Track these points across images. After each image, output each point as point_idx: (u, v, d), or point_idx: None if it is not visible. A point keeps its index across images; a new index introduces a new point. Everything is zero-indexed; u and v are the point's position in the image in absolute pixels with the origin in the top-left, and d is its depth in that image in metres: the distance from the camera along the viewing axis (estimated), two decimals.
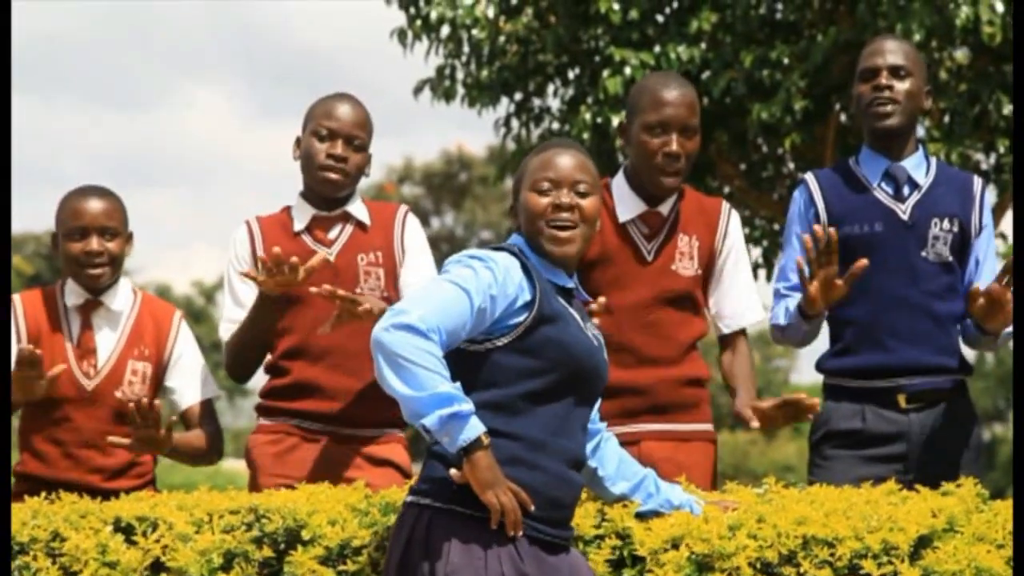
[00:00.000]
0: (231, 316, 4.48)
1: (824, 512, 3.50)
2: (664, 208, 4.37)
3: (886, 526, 3.44)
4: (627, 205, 4.37)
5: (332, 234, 4.44)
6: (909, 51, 4.46)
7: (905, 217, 4.41)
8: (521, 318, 3.30)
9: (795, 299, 4.40)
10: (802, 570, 3.38)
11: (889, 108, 4.40)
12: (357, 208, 4.49)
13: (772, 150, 12.47)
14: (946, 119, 11.38)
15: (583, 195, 3.44)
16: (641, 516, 3.53)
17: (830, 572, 3.37)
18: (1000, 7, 10.46)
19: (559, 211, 3.41)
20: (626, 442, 4.27)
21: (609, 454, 3.60)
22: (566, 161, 3.45)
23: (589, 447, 3.53)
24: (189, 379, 4.69)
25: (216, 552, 3.55)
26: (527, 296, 3.32)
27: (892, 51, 4.43)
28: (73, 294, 4.58)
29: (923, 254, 4.39)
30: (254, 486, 4.35)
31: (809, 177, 4.54)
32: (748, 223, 13.06)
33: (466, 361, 3.29)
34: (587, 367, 3.37)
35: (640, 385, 4.31)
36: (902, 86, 4.41)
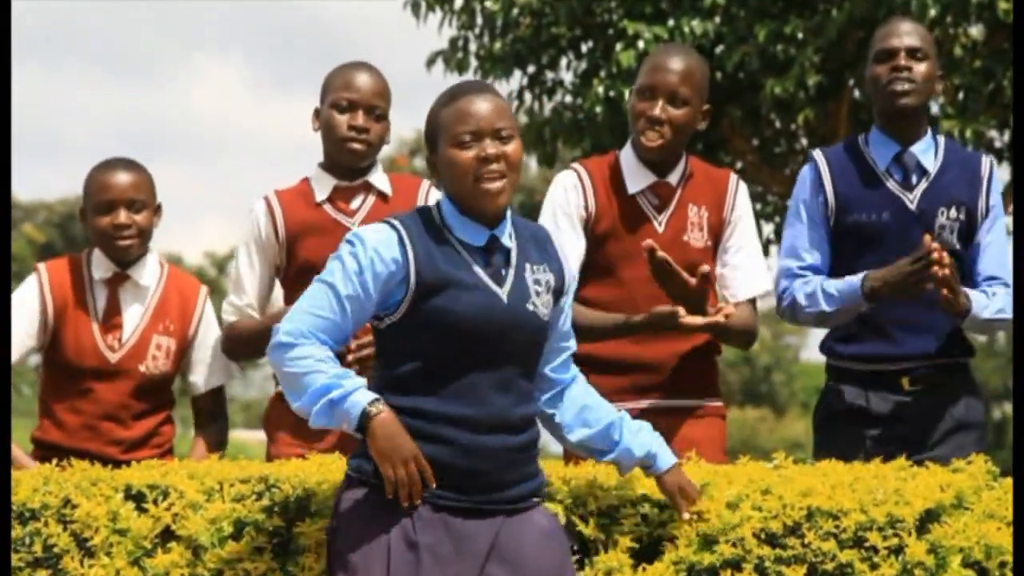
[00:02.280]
0: (236, 301, 4.43)
1: (830, 485, 3.51)
2: (673, 178, 4.35)
3: (892, 499, 3.45)
4: (636, 177, 4.35)
5: (354, 204, 4.41)
6: (925, 34, 4.44)
7: (913, 207, 4.39)
8: (401, 294, 3.25)
9: (820, 280, 4.36)
10: (807, 541, 3.39)
11: (908, 87, 4.38)
12: (379, 178, 4.46)
13: (785, 125, 12.46)
14: (960, 96, 11.36)
15: (506, 140, 3.28)
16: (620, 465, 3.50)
17: (835, 544, 3.38)
18: None
19: (486, 163, 3.25)
20: (636, 417, 4.28)
21: (568, 402, 3.48)
22: (483, 108, 3.27)
23: (547, 396, 3.45)
24: (207, 363, 4.69)
25: (226, 521, 3.56)
26: (402, 271, 3.25)
27: (909, 33, 4.41)
28: (101, 267, 4.57)
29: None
30: (270, 455, 4.35)
31: (818, 156, 4.51)
32: (760, 198, 13.05)
33: (377, 340, 3.34)
34: (485, 331, 3.24)
35: (650, 360, 4.30)
36: (919, 67, 4.38)
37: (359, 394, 3.17)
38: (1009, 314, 4.38)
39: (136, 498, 3.66)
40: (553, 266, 3.39)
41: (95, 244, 4.56)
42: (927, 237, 4.20)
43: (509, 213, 3.37)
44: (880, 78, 4.40)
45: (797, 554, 3.39)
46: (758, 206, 13.24)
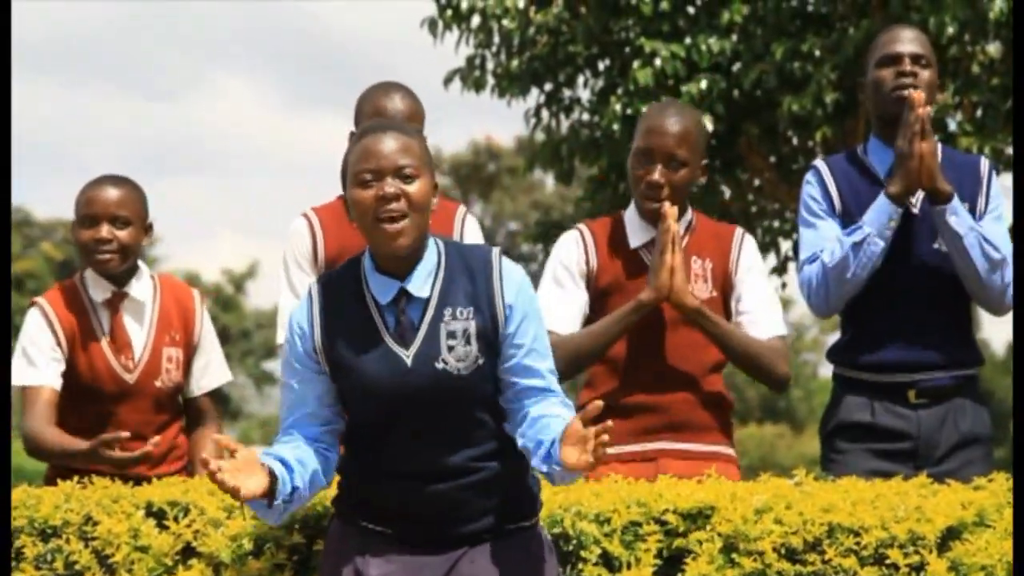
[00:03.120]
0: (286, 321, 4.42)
1: (851, 501, 3.51)
2: None
3: (913, 516, 3.44)
4: (638, 232, 4.36)
5: None
6: (926, 41, 4.46)
7: (915, 210, 4.38)
8: (320, 359, 3.25)
9: (835, 243, 4.34)
10: (827, 557, 3.39)
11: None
12: None
13: (803, 143, 12.45)
14: (978, 113, 11.35)
15: (409, 179, 3.16)
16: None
17: (855, 561, 3.38)
18: None
19: (384, 202, 3.14)
20: (644, 459, 4.28)
21: (525, 424, 3.21)
22: (386, 146, 3.17)
23: (510, 425, 3.26)
24: (206, 366, 4.72)
25: (247, 537, 3.56)
26: (311, 344, 3.24)
27: (911, 40, 4.42)
28: (98, 289, 4.57)
29: (935, 245, 4.37)
30: None
31: (821, 165, 4.50)
32: (778, 216, 13.05)
33: None
34: (393, 396, 3.17)
35: (657, 404, 4.28)
36: (924, 74, 4.39)
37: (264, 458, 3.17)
38: (998, 255, 4.29)
39: (157, 515, 3.67)
40: (484, 304, 3.21)
41: (81, 259, 4.57)
42: (910, 92, 4.24)
43: (436, 250, 3.25)
44: (884, 82, 4.39)
45: (817, 570, 3.39)
46: (776, 223, 13.24)
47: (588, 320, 4.37)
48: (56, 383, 4.50)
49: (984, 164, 4.50)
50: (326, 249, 4.36)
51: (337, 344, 3.21)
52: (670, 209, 4.20)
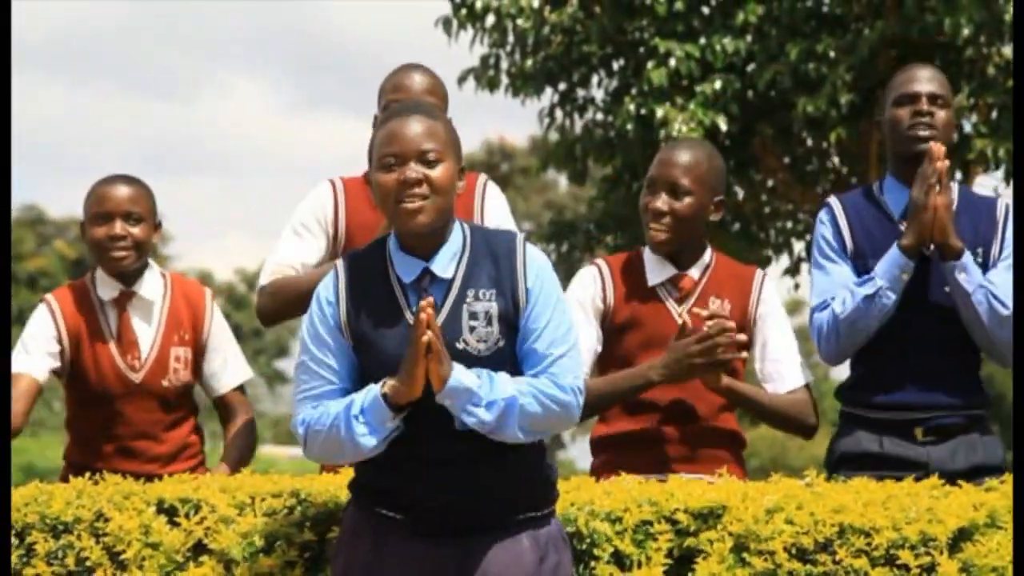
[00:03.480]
0: (280, 264, 4.34)
1: (862, 502, 3.50)
2: (695, 271, 4.34)
3: (924, 517, 3.44)
4: (656, 269, 4.35)
5: None
6: (944, 81, 4.41)
7: (928, 252, 4.34)
8: (348, 345, 3.25)
9: (846, 291, 4.32)
10: (838, 558, 3.39)
11: (930, 133, 4.33)
12: None
13: (817, 144, 12.44)
14: (993, 115, 11.33)
15: (431, 163, 3.19)
16: None
17: (866, 561, 3.37)
18: None
19: (406, 187, 3.18)
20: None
21: None
22: (410, 129, 3.20)
23: None
24: (225, 363, 4.68)
25: (258, 535, 3.57)
26: (336, 322, 3.25)
27: (929, 80, 4.37)
28: (106, 287, 4.56)
29: (946, 289, 4.33)
30: (323, 467, 4.30)
31: (834, 202, 4.45)
32: (791, 217, 13.04)
33: None
34: None
35: (672, 436, 4.27)
36: (941, 114, 4.34)
37: (366, 390, 3.17)
38: (1006, 312, 4.24)
39: (168, 512, 3.68)
40: (507, 288, 3.25)
41: (93, 257, 4.56)
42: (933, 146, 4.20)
43: (461, 233, 3.28)
44: (901, 122, 4.34)
45: (828, 570, 3.38)
46: (788, 224, 13.23)
47: (600, 356, 4.36)
48: (41, 376, 4.48)
49: (1001, 206, 4.44)
50: (347, 218, 4.35)
51: (361, 320, 3.23)
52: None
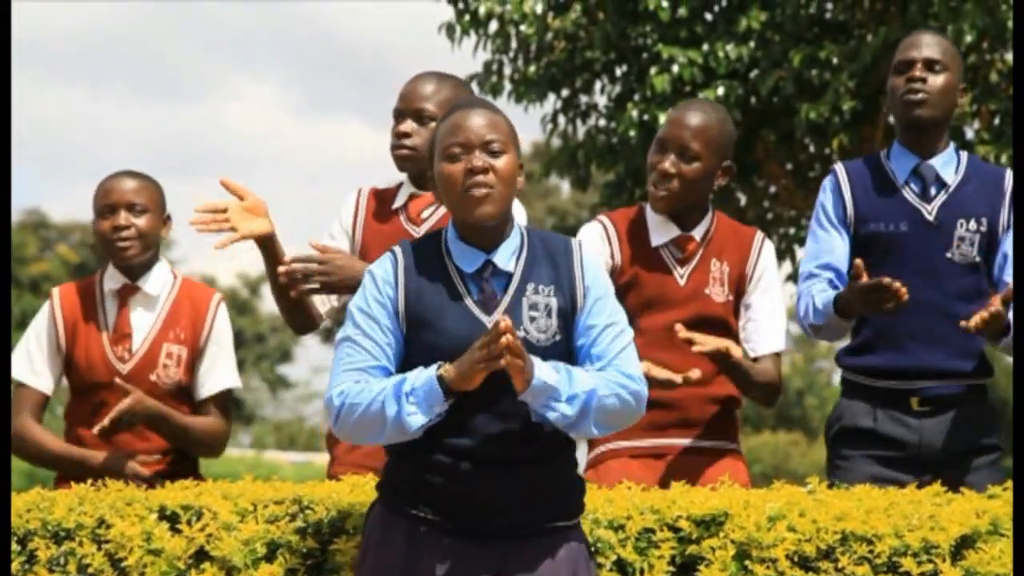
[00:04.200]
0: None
1: (864, 509, 3.50)
2: (697, 232, 4.37)
3: (927, 525, 3.43)
4: (659, 229, 4.37)
5: (424, 213, 4.36)
6: (946, 46, 4.43)
7: (930, 217, 4.38)
8: (400, 327, 3.26)
9: (819, 286, 4.37)
10: (840, 565, 3.38)
11: (921, 97, 4.36)
12: None
13: (820, 150, 12.43)
14: (996, 121, 11.33)
15: (496, 154, 3.24)
16: None
17: (869, 569, 3.37)
18: None
19: (473, 175, 3.22)
20: (653, 455, 4.29)
21: None
22: (474, 121, 3.25)
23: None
24: (213, 367, 4.66)
25: (260, 542, 3.56)
26: (394, 305, 3.25)
27: (928, 44, 4.41)
28: (112, 279, 4.61)
29: (948, 255, 4.36)
30: (331, 474, 4.32)
31: (839, 168, 4.51)
32: (794, 223, 13.02)
33: None
34: (459, 353, 3.17)
35: (668, 400, 4.27)
36: (936, 79, 4.37)
37: (422, 373, 3.16)
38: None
39: (170, 519, 3.68)
40: (565, 285, 3.29)
41: (102, 251, 4.59)
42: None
43: (519, 232, 3.33)
44: (897, 89, 4.41)
45: None
46: (791, 230, 13.22)
47: None
48: (49, 389, 4.59)
49: (1008, 177, 4.48)
50: (364, 227, 4.36)
51: (421, 302, 3.25)
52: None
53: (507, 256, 3.29)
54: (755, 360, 4.39)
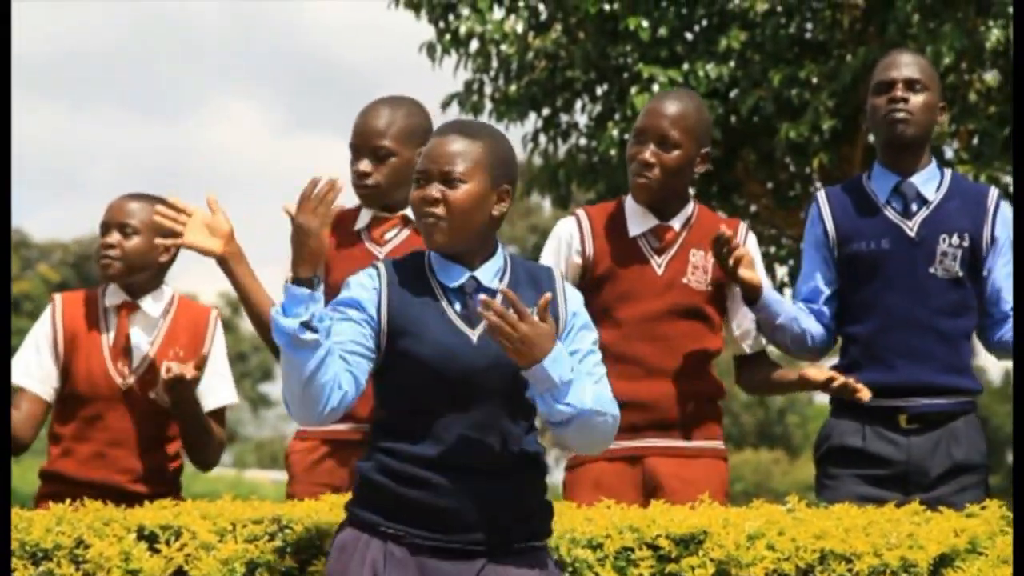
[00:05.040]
0: None
1: (844, 528, 3.50)
2: (676, 222, 4.37)
3: (906, 544, 3.44)
4: (637, 220, 4.37)
5: (388, 235, 4.38)
6: (924, 65, 4.46)
7: (912, 234, 4.41)
8: (378, 337, 3.26)
9: (811, 319, 4.41)
10: None
11: (903, 117, 4.40)
12: None
13: (800, 169, 12.47)
14: (975, 141, 11.37)
15: (453, 183, 3.25)
16: None
17: None
18: None
19: (424, 204, 3.27)
20: (631, 457, 4.28)
21: None
22: (440, 150, 3.28)
23: None
24: (213, 384, 4.69)
25: (239, 561, 3.55)
26: (375, 312, 3.26)
27: (907, 64, 4.44)
28: (113, 295, 4.62)
29: (931, 270, 4.38)
30: (290, 493, 4.34)
31: (820, 194, 4.56)
32: (775, 242, 13.05)
33: (373, 385, 3.33)
34: (452, 372, 3.20)
35: (644, 399, 4.26)
36: (917, 99, 4.41)
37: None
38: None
39: (149, 538, 3.66)
40: (548, 310, 3.26)
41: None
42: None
43: (503, 254, 3.35)
44: (878, 109, 4.44)
45: None
46: (772, 249, 13.25)
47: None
48: (50, 398, 4.57)
49: (992, 195, 4.52)
50: (329, 248, 4.36)
51: (403, 312, 3.26)
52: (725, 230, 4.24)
53: (491, 274, 3.32)
54: (751, 356, 4.47)
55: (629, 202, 4.40)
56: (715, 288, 4.38)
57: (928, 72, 4.44)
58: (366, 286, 3.29)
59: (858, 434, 4.38)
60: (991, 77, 11.60)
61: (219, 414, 4.72)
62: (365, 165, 4.31)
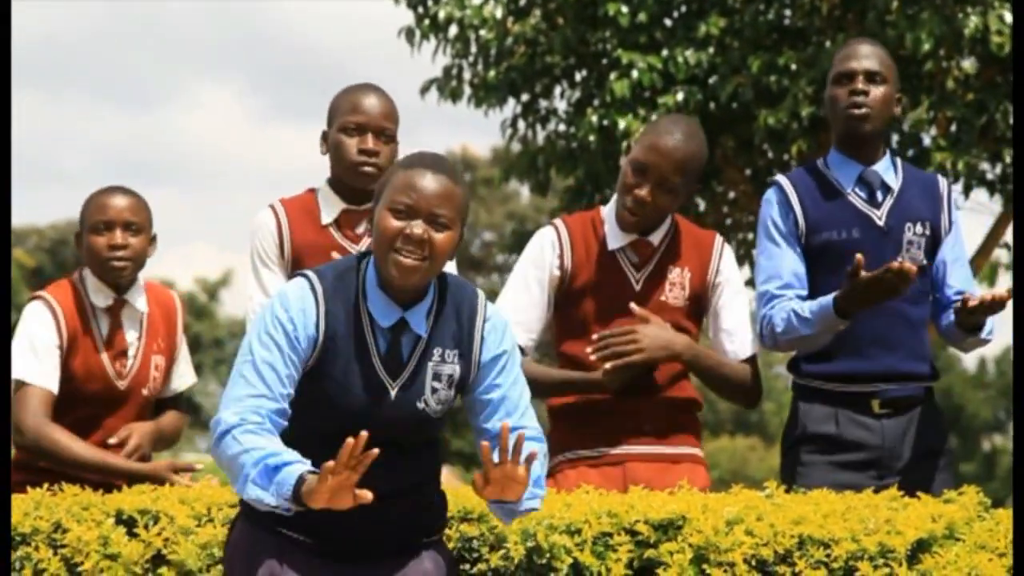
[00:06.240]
0: (263, 299, 4.31)
1: (822, 513, 3.52)
2: (655, 237, 4.36)
3: (883, 529, 3.45)
4: (617, 233, 4.35)
5: (360, 229, 4.37)
6: (883, 55, 4.46)
7: (881, 223, 4.41)
8: (307, 355, 3.18)
9: (795, 301, 4.37)
10: (797, 569, 3.40)
11: (865, 112, 4.40)
12: None
13: (778, 156, 12.47)
14: (953, 128, 11.40)
15: (440, 227, 3.15)
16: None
17: (825, 573, 3.39)
18: (1009, 17, 10.48)
19: (408, 242, 3.13)
20: (610, 464, 4.29)
21: None
22: (430, 187, 3.15)
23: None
24: (180, 366, 4.75)
25: (217, 546, 3.56)
26: (313, 339, 3.17)
27: (868, 56, 4.44)
28: (100, 295, 4.55)
29: (899, 259, 4.39)
30: None
31: (783, 181, 4.49)
32: (753, 228, 13.06)
33: None
34: (365, 422, 3.06)
35: (624, 408, 4.29)
36: (877, 91, 4.41)
37: (298, 465, 3.02)
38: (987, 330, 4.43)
39: (127, 523, 3.66)
40: (465, 349, 3.25)
41: (90, 266, 4.55)
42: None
43: (433, 287, 3.26)
44: (839, 101, 4.42)
45: None
46: (750, 235, 13.28)
47: (557, 321, 4.37)
48: (55, 388, 4.46)
49: (942, 183, 4.55)
50: (293, 244, 4.34)
51: (331, 350, 3.18)
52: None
53: (421, 316, 3.23)
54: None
55: (608, 214, 4.38)
56: (692, 303, 4.38)
57: (887, 63, 4.44)
58: (305, 311, 3.17)
59: (831, 420, 4.38)
60: (969, 64, 11.62)
61: (184, 395, 4.79)
62: (374, 143, 4.30)
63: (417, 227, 3.14)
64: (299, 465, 3.02)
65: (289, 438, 3.14)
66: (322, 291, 3.20)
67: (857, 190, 4.45)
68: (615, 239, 4.35)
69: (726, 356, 4.39)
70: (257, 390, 3.15)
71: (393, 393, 3.21)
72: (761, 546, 3.43)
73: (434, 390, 3.23)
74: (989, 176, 11.82)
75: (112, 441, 4.47)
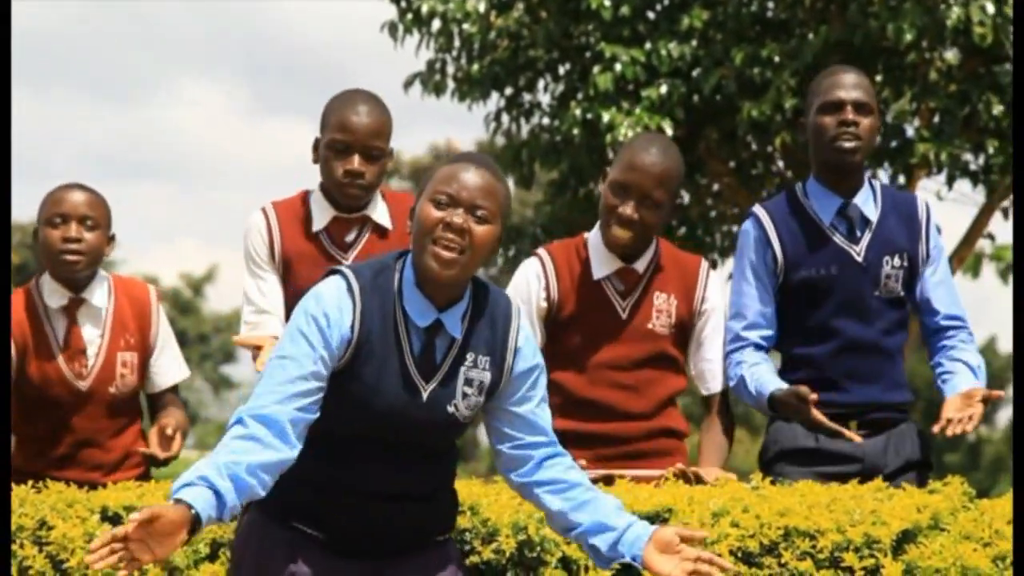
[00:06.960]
0: (249, 319, 4.34)
1: (807, 505, 3.52)
2: (640, 265, 4.34)
3: (869, 520, 3.46)
4: (602, 262, 4.33)
5: (349, 237, 4.33)
6: (868, 86, 4.42)
7: (859, 259, 4.38)
8: (340, 354, 3.13)
9: (747, 361, 4.37)
10: (783, 561, 3.40)
11: (855, 145, 4.34)
12: (378, 212, 4.37)
13: (762, 148, 12.51)
14: (936, 119, 11.42)
15: (480, 220, 3.13)
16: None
17: (811, 564, 3.40)
18: (991, 8, 10.49)
19: (448, 230, 3.10)
20: (599, 482, 4.29)
21: (551, 473, 3.28)
22: (473, 180, 3.14)
23: (527, 467, 3.26)
24: (167, 361, 4.69)
25: (202, 542, 3.55)
26: (347, 340, 3.12)
27: (855, 86, 4.37)
28: (54, 295, 4.52)
29: (876, 292, 4.38)
30: None
31: (762, 215, 4.45)
32: (737, 220, 13.08)
33: None
34: (394, 424, 3.13)
35: (613, 435, 4.30)
36: (866, 122, 4.36)
37: (188, 491, 2.91)
38: (981, 362, 4.46)
39: (112, 520, 3.65)
40: (497, 357, 3.23)
41: (44, 261, 4.51)
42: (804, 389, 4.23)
43: (468, 293, 3.23)
44: (826, 130, 4.35)
45: (773, 573, 3.41)
46: (735, 227, 13.30)
47: (544, 352, 4.37)
48: None
49: (921, 207, 4.50)
50: (282, 249, 4.33)
51: (365, 348, 3.14)
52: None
53: (456, 319, 3.20)
54: (709, 397, 4.44)
55: (594, 241, 4.36)
56: (677, 330, 4.38)
57: (871, 92, 4.40)
58: (343, 309, 3.13)
59: (810, 436, 4.36)
60: (952, 55, 11.64)
61: (175, 389, 4.72)
62: (359, 164, 4.25)
63: (458, 216, 3.12)
64: (188, 491, 2.90)
65: (317, 435, 3.12)
66: (359, 288, 3.16)
67: (837, 225, 4.40)
68: (600, 268, 4.33)
69: (704, 385, 4.43)
70: (278, 389, 3.09)
71: (425, 395, 3.18)
72: (747, 537, 3.44)
73: (465, 395, 3.21)
74: (972, 167, 11.83)
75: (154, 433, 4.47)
